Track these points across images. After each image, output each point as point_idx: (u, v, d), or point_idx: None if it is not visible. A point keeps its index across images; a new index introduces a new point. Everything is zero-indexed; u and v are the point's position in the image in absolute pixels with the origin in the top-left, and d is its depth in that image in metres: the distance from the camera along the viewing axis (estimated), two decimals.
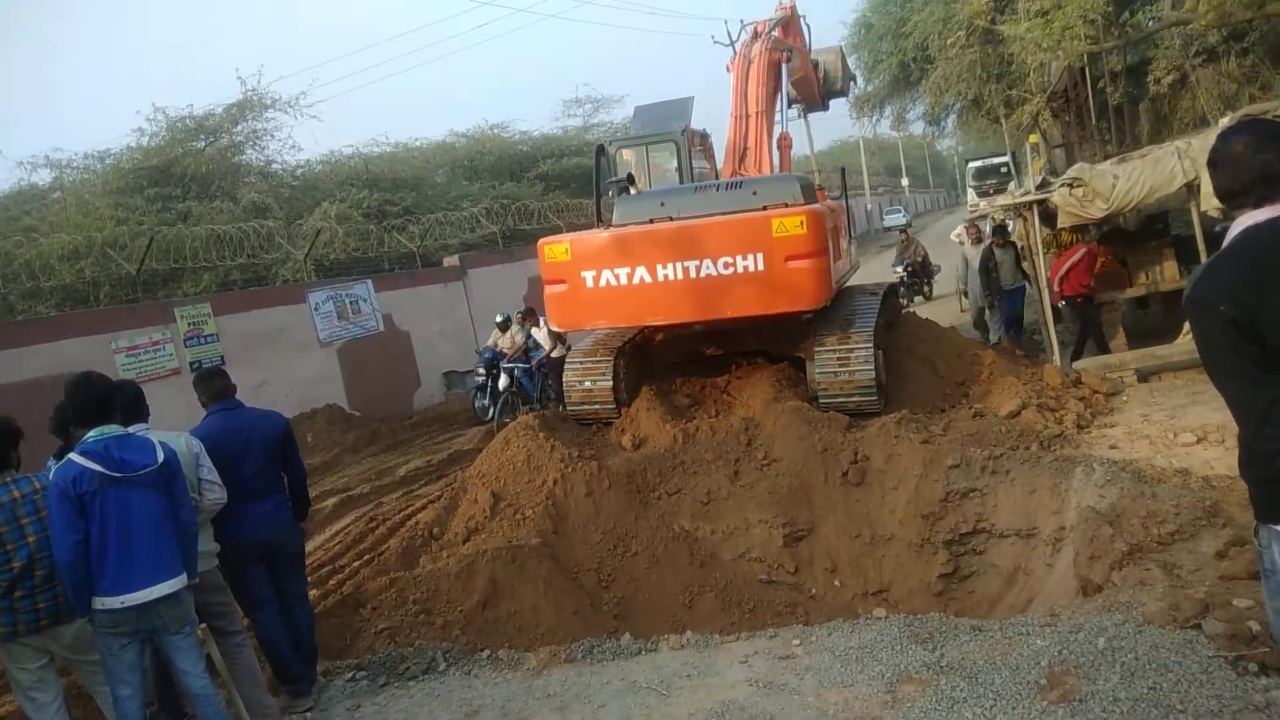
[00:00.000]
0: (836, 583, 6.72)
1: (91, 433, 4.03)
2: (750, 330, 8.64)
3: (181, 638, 4.13)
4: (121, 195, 17.71)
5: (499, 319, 13.54)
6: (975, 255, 12.07)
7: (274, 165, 21.40)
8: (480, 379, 13.30)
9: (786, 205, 7.99)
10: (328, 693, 5.15)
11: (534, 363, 12.48)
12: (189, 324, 12.24)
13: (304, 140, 33.07)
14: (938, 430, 7.28)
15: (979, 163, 30.10)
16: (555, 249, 8.26)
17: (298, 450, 5.37)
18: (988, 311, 11.91)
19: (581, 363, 8.93)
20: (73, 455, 3.94)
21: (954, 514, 6.51)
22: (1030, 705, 3.72)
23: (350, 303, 14.83)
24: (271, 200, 18.89)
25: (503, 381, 12.45)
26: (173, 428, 4.79)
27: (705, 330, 8.85)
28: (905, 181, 61.35)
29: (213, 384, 5.09)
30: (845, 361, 8.09)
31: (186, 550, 4.18)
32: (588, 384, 8.82)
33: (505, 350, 13.01)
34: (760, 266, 7.65)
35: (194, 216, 17.30)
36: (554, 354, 11.95)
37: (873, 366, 8.01)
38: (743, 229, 7.76)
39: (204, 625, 4.45)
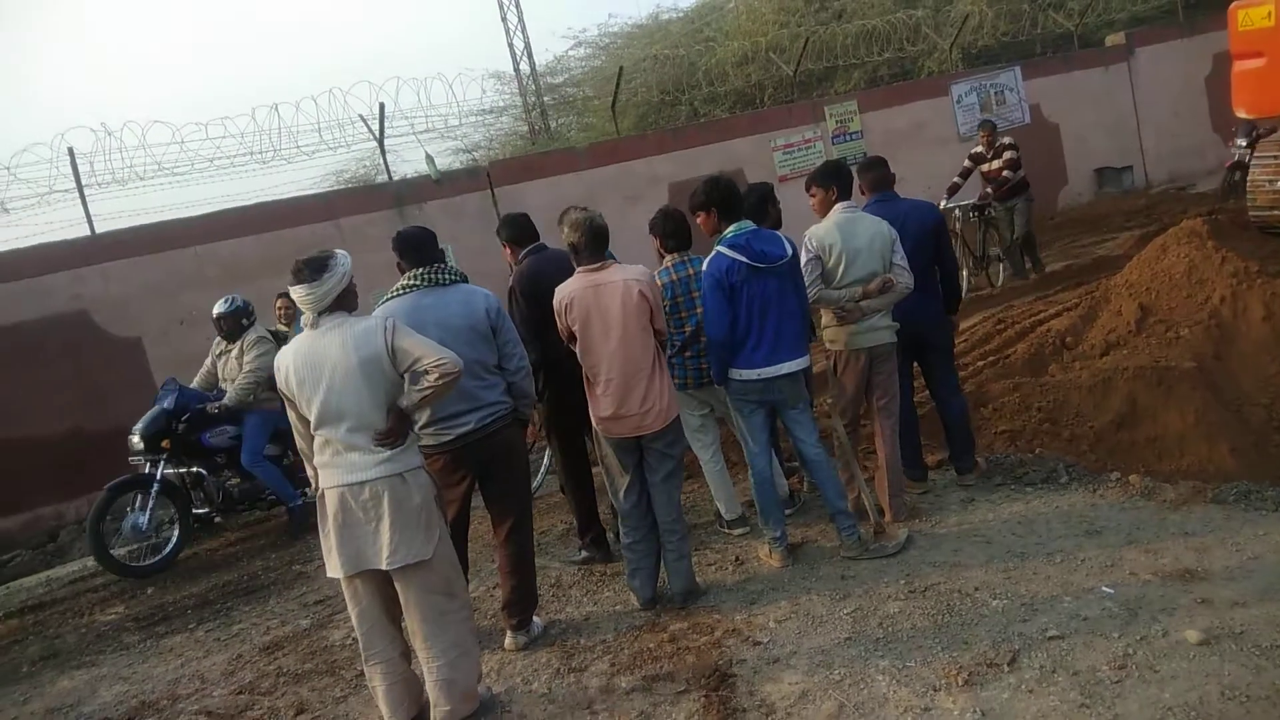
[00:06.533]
0: None
1: (731, 228, 4.51)
2: None
3: (798, 412, 4.62)
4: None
5: (218, 310, 6.88)
6: None
7: None
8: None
9: None
10: (941, 483, 5.38)
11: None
12: (836, 121, 12.89)
13: None
14: None
15: None
16: (1252, 13, 6.67)
17: (950, 244, 5.35)
18: None
19: (1275, 158, 7.22)
20: (721, 249, 4.45)
21: None
22: None
23: (995, 93, 14.01)
24: None
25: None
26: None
27: None
28: None
29: (871, 174, 5.19)
30: None
31: (806, 335, 4.59)
32: None
33: (224, 385, 7.04)
34: None
35: (847, 14, 17.75)
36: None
37: None
38: None
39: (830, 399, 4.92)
